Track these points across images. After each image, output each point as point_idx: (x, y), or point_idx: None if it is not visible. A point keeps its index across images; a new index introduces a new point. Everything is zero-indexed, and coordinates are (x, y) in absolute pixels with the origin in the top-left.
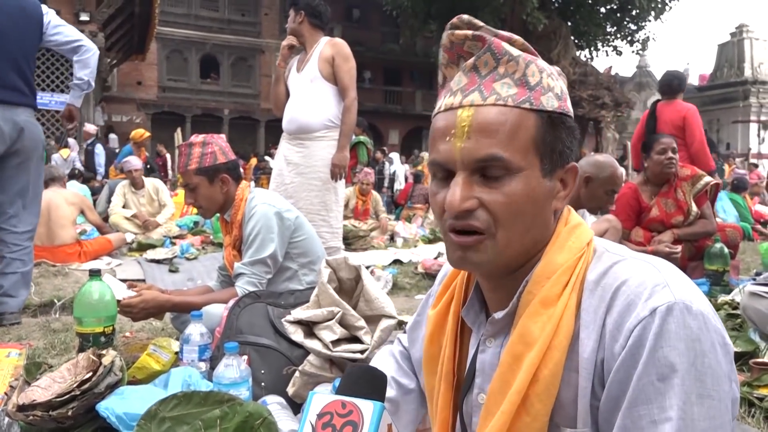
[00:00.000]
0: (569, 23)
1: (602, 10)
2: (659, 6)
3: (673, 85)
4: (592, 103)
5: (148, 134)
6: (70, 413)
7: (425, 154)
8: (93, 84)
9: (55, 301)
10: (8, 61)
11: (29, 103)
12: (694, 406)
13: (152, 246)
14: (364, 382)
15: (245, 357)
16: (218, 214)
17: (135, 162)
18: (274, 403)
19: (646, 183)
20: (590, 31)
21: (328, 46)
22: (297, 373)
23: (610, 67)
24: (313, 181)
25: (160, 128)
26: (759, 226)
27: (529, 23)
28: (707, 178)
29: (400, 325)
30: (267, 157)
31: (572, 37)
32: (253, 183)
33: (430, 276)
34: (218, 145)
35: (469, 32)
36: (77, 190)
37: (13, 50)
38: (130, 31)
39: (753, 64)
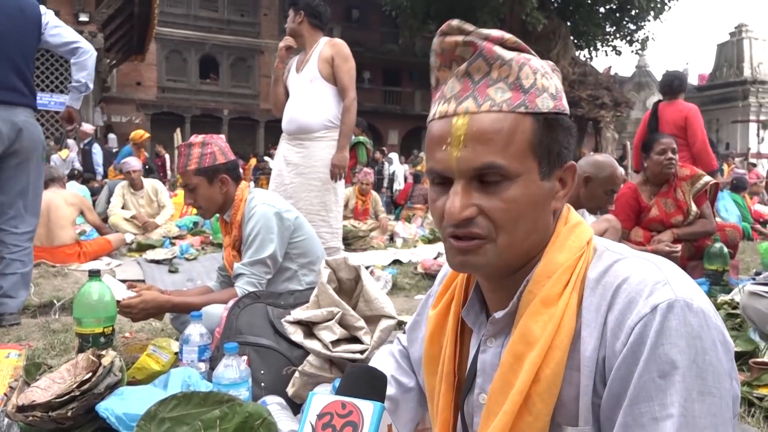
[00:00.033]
0: (568, 23)
1: (601, 9)
2: (658, 6)
3: (673, 85)
4: (592, 103)
5: (147, 135)
6: (69, 414)
7: (424, 154)
8: (91, 86)
9: (55, 301)
10: (7, 61)
11: (28, 104)
12: (695, 403)
13: (152, 246)
14: (364, 382)
15: (245, 357)
16: (218, 215)
17: (134, 163)
18: (273, 404)
19: (646, 183)
20: (589, 31)
21: (327, 47)
22: (297, 374)
23: (610, 67)
24: (313, 181)
25: (160, 129)
26: (758, 226)
27: (529, 23)
28: (707, 178)
29: (400, 325)
30: (266, 158)
31: (571, 37)
32: (252, 183)
33: (430, 276)
34: (218, 146)
35: (460, 38)
36: (77, 190)
37: (12, 51)
38: (129, 31)
39: (752, 64)
